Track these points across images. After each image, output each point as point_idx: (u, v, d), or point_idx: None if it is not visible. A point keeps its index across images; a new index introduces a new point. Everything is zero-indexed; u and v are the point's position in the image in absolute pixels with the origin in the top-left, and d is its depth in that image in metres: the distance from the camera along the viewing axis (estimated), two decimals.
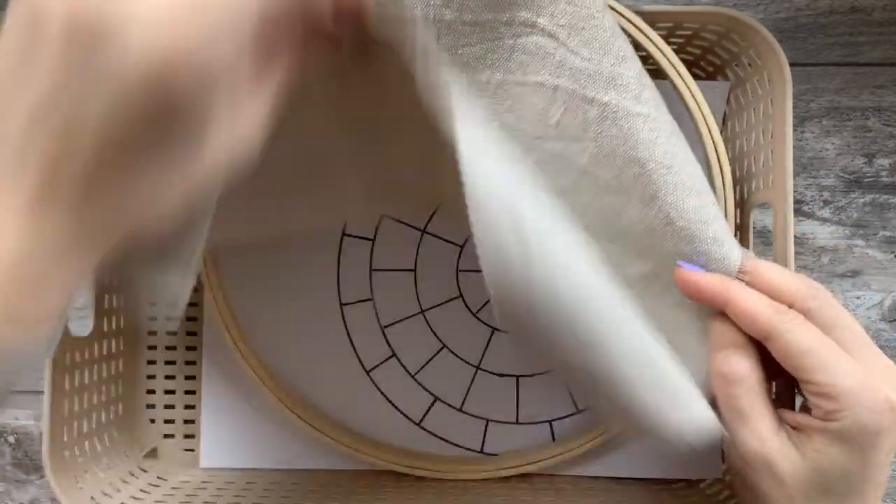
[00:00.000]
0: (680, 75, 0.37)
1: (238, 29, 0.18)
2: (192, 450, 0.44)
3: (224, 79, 0.18)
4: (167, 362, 0.45)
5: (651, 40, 0.37)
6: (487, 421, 0.43)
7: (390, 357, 0.43)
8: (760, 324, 0.28)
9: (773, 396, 0.38)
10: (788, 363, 0.28)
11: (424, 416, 0.43)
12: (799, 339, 0.28)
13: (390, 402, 0.43)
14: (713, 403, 0.33)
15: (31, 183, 0.18)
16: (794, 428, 0.29)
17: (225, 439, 0.43)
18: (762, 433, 0.28)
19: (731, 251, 0.31)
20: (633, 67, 0.35)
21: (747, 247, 0.40)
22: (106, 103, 0.17)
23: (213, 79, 0.17)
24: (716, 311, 0.30)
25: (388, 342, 0.44)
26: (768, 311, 0.28)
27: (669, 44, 0.38)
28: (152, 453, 0.44)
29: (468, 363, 0.43)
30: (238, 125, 0.19)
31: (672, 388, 0.29)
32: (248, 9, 0.18)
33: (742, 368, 0.29)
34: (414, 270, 0.44)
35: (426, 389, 0.43)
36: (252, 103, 0.20)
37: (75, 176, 0.18)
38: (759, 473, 0.28)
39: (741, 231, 0.41)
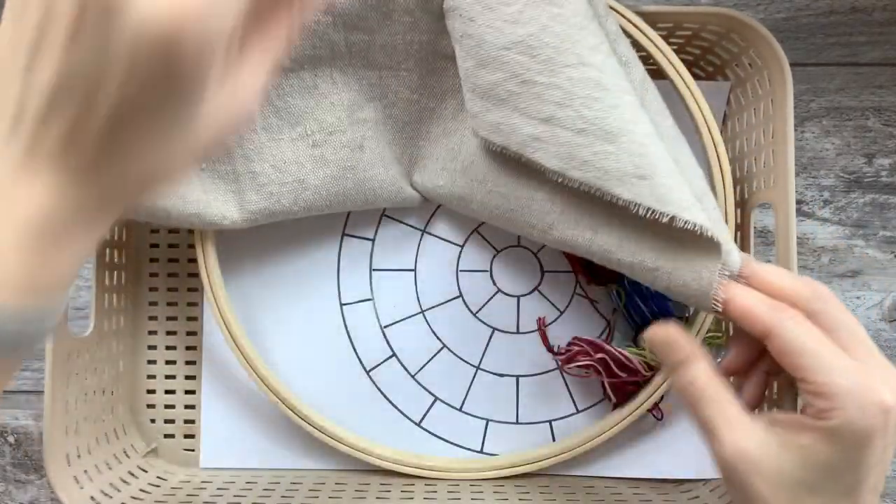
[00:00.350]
0: (680, 75, 0.37)
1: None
2: (192, 450, 0.44)
3: (223, 43, 0.19)
4: (167, 362, 0.45)
5: (651, 41, 0.37)
6: (487, 421, 0.43)
7: (390, 357, 0.43)
8: (760, 321, 0.28)
9: (774, 395, 0.38)
10: (786, 361, 0.28)
11: (424, 416, 0.43)
12: (797, 338, 0.28)
13: (390, 402, 0.43)
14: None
15: (53, 146, 0.19)
16: (781, 424, 0.28)
17: (225, 439, 0.43)
18: (731, 437, 0.28)
19: (731, 255, 0.31)
20: (637, 72, 0.35)
21: (748, 246, 0.40)
22: (120, 67, 0.18)
23: (214, 43, 0.19)
24: (661, 327, 0.31)
25: (388, 342, 0.44)
26: (767, 308, 0.29)
27: (669, 44, 0.38)
28: (152, 453, 0.44)
29: (468, 363, 0.43)
30: (236, 88, 0.21)
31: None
32: None
33: (698, 379, 0.29)
34: (414, 270, 0.44)
35: (426, 389, 0.43)
36: (249, 68, 0.21)
37: (94, 138, 0.19)
38: (738, 478, 0.28)
39: (741, 231, 0.41)
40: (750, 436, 0.28)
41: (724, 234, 0.31)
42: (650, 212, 0.31)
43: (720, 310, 0.30)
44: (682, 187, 0.31)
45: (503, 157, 0.36)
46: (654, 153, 0.31)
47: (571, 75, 0.32)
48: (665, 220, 0.31)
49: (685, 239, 0.32)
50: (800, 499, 0.27)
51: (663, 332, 0.30)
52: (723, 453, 0.28)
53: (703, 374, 0.29)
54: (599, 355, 0.40)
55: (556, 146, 0.33)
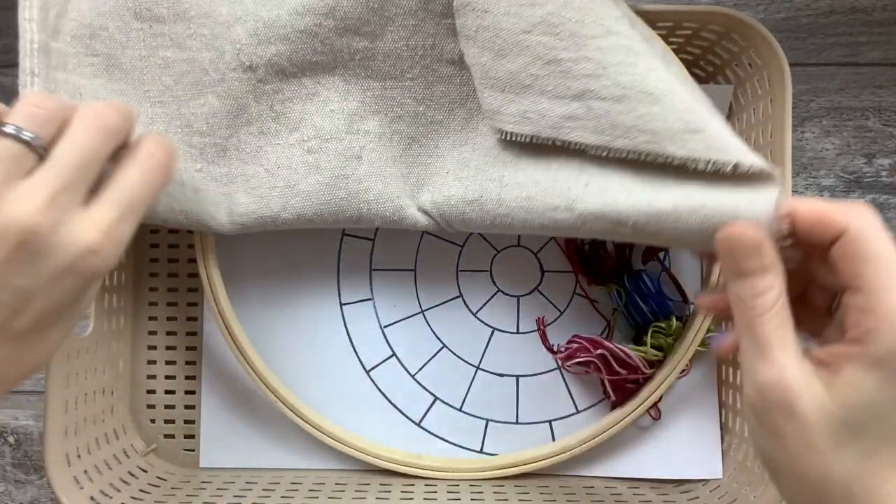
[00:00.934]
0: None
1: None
2: (192, 450, 0.44)
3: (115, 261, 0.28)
4: (167, 362, 0.45)
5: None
6: (487, 421, 0.43)
7: (390, 357, 0.43)
8: (836, 219, 0.26)
9: None
10: (847, 266, 0.26)
11: (424, 416, 0.43)
12: (871, 243, 0.25)
13: (390, 402, 0.43)
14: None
15: None
16: (822, 363, 0.26)
17: (225, 439, 0.43)
18: (783, 362, 0.25)
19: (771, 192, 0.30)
20: (658, 46, 0.35)
21: None
22: (46, 286, 0.26)
23: (111, 264, 0.28)
24: (749, 227, 0.27)
25: (388, 342, 0.44)
26: (841, 208, 0.26)
27: (669, 44, 0.38)
28: (152, 453, 0.44)
29: (468, 363, 0.43)
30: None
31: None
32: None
33: (771, 290, 0.26)
34: (414, 270, 0.44)
35: (426, 389, 0.43)
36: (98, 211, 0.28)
37: (18, 329, 0.27)
38: (776, 408, 0.25)
39: None
40: (800, 365, 0.25)
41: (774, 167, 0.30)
42: (711, 164, 0.30)
43: (785, 229, 0.28)
44: (732, 134, 0.31)
45: (520, 147, 0.35)
46: (699, 108, 0.31)
47: (600, 45, 0.32)
48: (728, 169, 0.30)
49: (727, 179, 0.30)
50: (840, 442, 0.25)
51: (753, 234, 0.27)
52: (766, 376, 0.25)
53: (778, 287, 0.27)
54: (599, 351, 0.40)
55: (594, 120, 0.32)
